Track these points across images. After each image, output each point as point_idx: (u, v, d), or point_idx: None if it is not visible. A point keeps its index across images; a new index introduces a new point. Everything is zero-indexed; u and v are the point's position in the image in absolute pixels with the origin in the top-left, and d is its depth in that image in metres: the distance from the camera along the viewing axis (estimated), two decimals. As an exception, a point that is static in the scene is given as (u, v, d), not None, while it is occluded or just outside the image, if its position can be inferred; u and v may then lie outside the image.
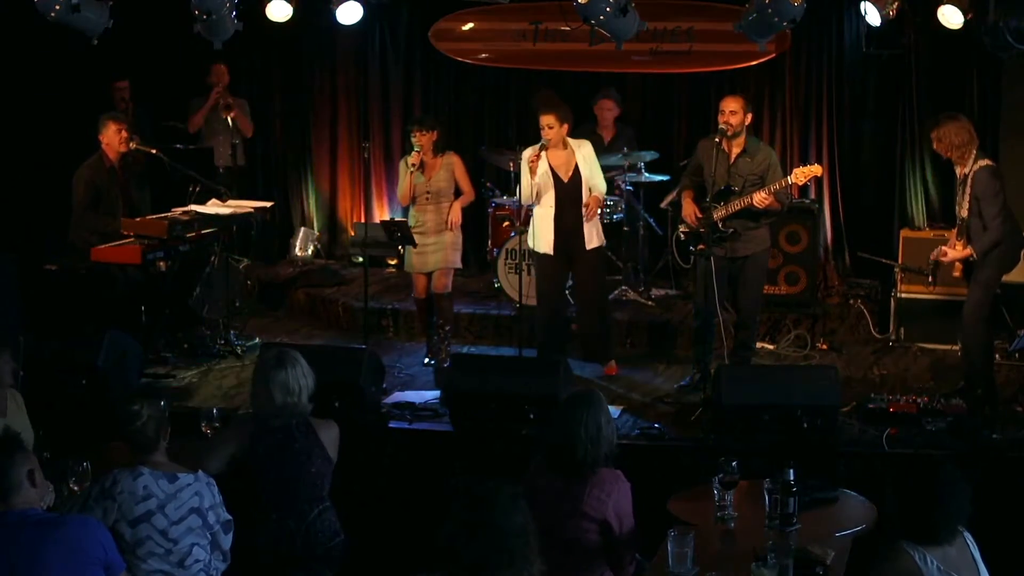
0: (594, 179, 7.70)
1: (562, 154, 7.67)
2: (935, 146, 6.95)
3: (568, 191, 7.65)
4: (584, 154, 7.70)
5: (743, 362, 7.41)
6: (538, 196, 7.66)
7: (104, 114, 8.37)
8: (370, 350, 7.12)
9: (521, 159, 7.70)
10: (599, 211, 7.73)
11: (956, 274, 7.14)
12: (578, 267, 7.78)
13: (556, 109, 7.66)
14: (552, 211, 7.64)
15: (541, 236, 7.72)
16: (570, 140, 7.72)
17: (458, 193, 7.99)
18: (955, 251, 6.99)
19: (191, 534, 4.42)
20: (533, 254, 7.96)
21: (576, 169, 7.65)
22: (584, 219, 7.60)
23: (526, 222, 8.67)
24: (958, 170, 6.94)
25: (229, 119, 9.78)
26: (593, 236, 7.69)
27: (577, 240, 7.66)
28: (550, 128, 7.55)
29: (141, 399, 4.58)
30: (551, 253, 7.68)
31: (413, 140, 7.83)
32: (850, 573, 4.37)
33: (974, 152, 6.83)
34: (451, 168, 7.94)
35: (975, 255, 6.87)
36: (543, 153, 7.58)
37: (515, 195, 8.77)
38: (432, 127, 7.88)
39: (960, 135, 6.82)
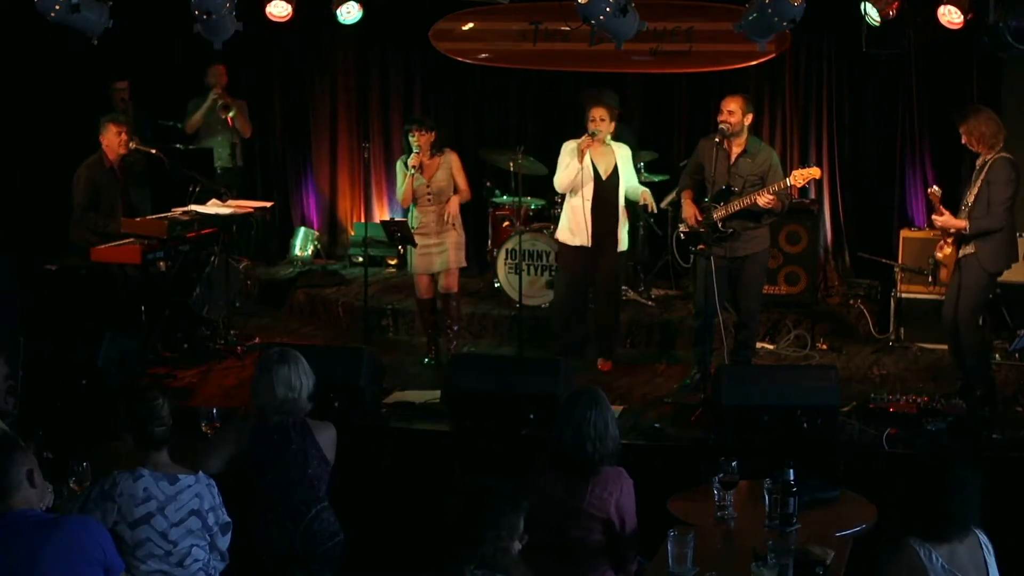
0: (627, 184, 7.74)
1: (605, 152, 7.73)
2: (963, 140, 6.87)
3: (606, 190, 7.68)
4: (623, 155, 7.76)
5: (743, 362, 7.41)
6: (574, 188, 7.68)
7: (104, 116, 8.37)
8: (370, 350, 7.12)
9: (563, 149, 7.72)
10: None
11: (938, 254, 7.08)
12: (603, 264, 7.79)
13: (609, 104, 7.82)
14: (589, 205, 7.66)
15: (572, 229, 7.73)
16: (611, 141, 7.77)
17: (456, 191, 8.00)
18: (950, 218, 6.91)
19: (191, 536, 4.41)
20: (560, 246, 7.96)
21: (615, 169, 7.70)
22: (618, 222, 7.66)
23: (526, 222, 8.67)
24: (979, 160, 6.88)
25: (228, 119, 9.78)
26: (624, 238, 7.77)
27: (609, 240, 7.70)
28: (602, 120, 7.61)
29: (159, 393, 4.58)
30: (580, 247, 7.70)
31: (412, 140, 7.82)
32: (850, 573, 4.37)
33: (1001, 143, 6.80)
34: (449, 167, 7.94)
35: (967, 230, 6.78)
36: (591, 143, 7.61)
37: (515, 195, 8.78)
38: (432, 128, 7.89)
39: (989, 125, 6.78)
